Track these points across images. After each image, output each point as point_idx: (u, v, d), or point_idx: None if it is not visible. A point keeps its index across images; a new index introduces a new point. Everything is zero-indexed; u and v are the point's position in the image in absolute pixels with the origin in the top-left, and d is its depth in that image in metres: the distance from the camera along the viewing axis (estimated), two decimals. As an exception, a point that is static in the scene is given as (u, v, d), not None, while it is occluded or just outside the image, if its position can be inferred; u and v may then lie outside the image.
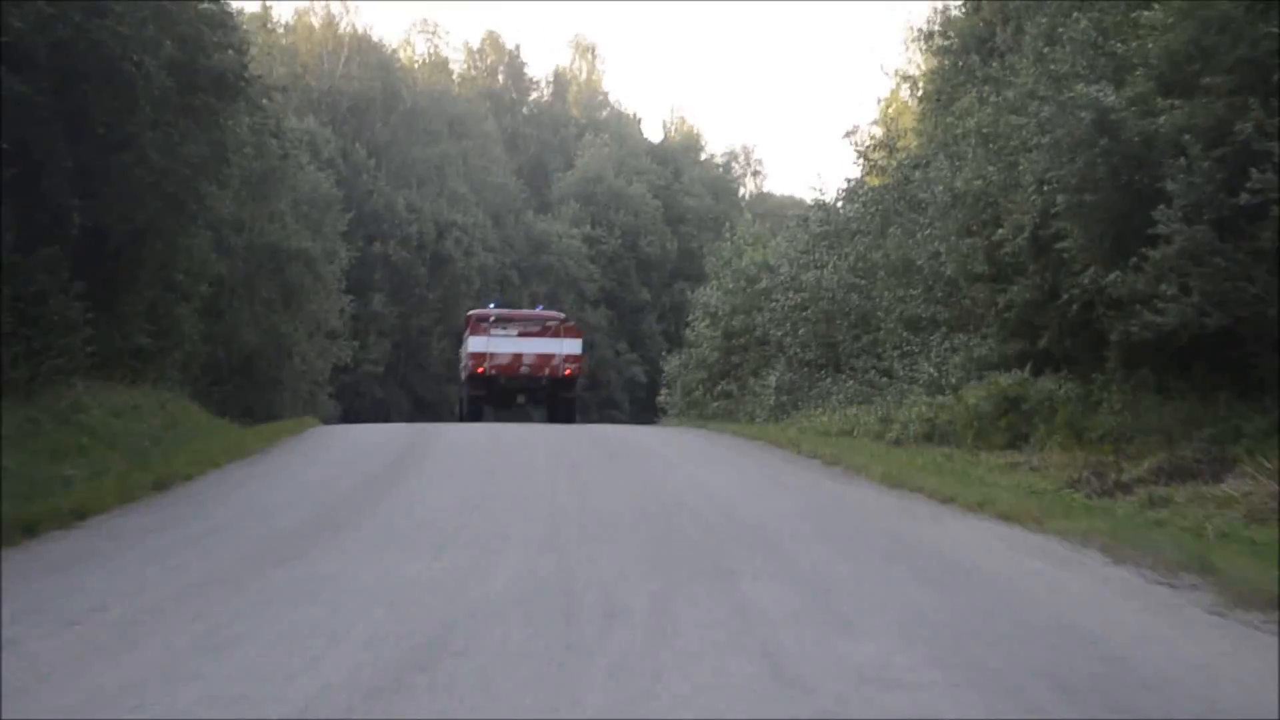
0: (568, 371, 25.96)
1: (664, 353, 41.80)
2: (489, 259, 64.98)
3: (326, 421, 51.92)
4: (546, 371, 26.35)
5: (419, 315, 61.41)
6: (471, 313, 29.28)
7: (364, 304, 58.90)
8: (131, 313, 25.32)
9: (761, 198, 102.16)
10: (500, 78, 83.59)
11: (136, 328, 25.67)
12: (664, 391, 40.19)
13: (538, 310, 31.44)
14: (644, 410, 77.86)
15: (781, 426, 25.71)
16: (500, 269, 66.88)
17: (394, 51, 71.66)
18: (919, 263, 24.81)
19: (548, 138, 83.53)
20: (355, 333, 58.39)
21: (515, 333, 26.52)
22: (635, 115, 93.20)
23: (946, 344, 22.99)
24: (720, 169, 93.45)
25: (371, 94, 63.58)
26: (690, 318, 38.87)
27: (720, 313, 35.48)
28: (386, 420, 61.97)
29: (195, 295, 32.16)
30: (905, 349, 24.73)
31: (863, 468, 12.81)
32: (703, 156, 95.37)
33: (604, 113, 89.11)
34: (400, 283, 60.50)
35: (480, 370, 25.76)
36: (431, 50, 77.09)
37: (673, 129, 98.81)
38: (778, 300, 31.74)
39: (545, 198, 77.25)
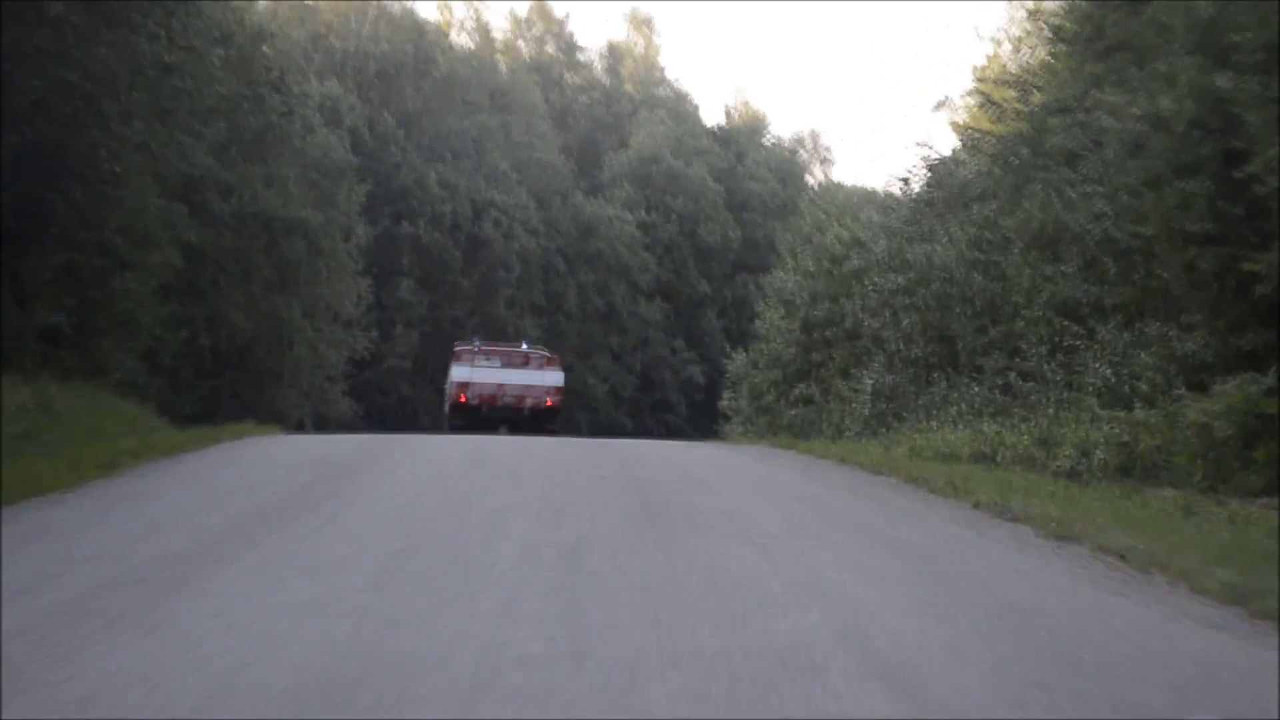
0: (549, 402, 26.40)
1: (728, 350, 35.82)
2: (531, 243, 59.26)
3: (333, 426, 46.32)
4: (529, 402, 26.92)
5: (452, 304, 55.83)
6: (457, 345, 30.93)
7: (389, 290, 53.53)
8: (37, 282, 19.79)
9: (830, 189, 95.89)
10: (549, 49, 77.87)
11: (46, 301, 20.15)
12: (727, 395, 34.21)
13: (524, 346, 31.48)
14: (702, 415, 71.97)
15: (886, 445, 19.78)
16: (544, 254, 61.13)
17: (432, 22, 66.27)
18: (1080, 227, 18.76)
19: (600, 114, 77.79)
20: (379, 322, 52.98)
21: (499, 363, 27.23)
22: (693, 102, 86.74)
23: (1126, 336, 16.94)
24: (787, 153, 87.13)
25: (402, 58, 58.07)
26: (760, 307, 32.88)
27: (798, 300, 29.48)
28: (413, 423, 56.41)
29: (147, 265, 26.64)
30: (1059, 343, 18.68)
31: (1147, 557, 6.46)
32: (767, 140, 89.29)
33: (661, 90, 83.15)
34: (431, 267, 54.96)
35: (463, 399, 26.08)
36: (472, 15, 71.56)
37: (735, 113, 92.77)
38: (873, 283, 25.73)
39: (596, 179, 71.53)
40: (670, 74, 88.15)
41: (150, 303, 29.22)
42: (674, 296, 69.96)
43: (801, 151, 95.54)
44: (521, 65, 73.79)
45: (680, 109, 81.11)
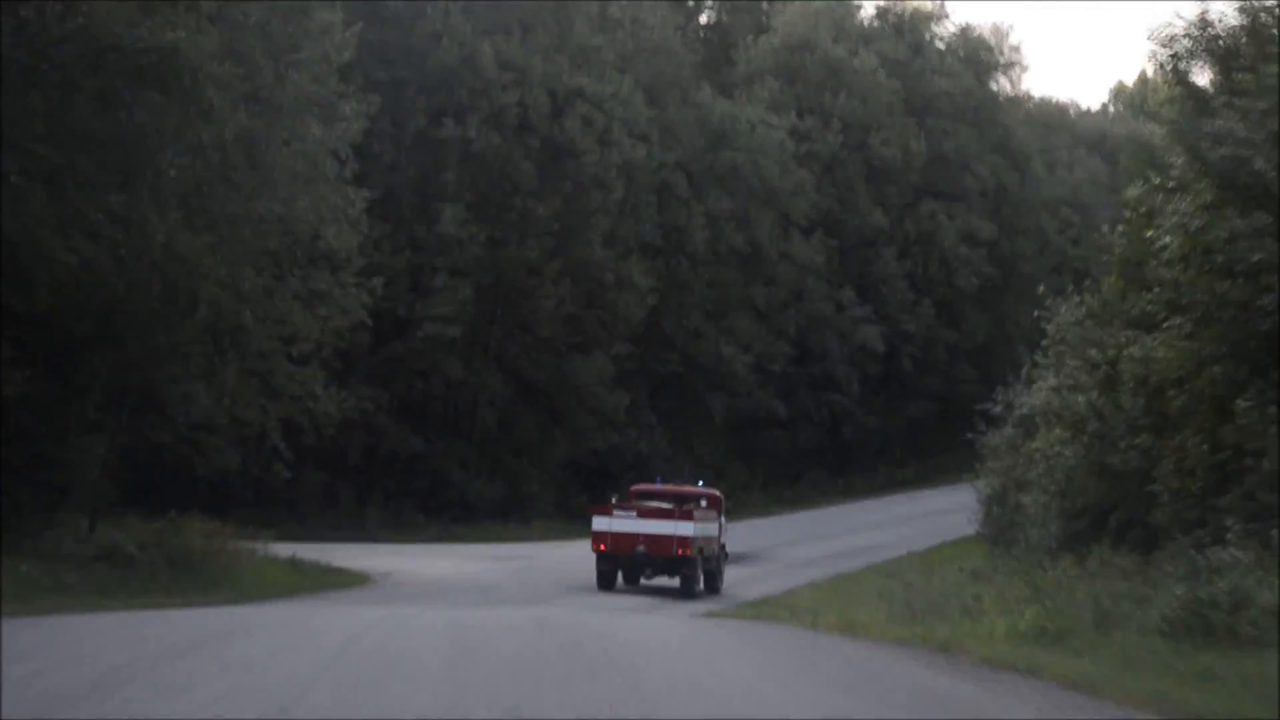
0: (680, 551, 28.98)
1: (1045, 299, 18.84)
2: (639, 153, 43.56)
3: (313, 440, 29.96)
4: (664, 551, 29.26)
5: (521, 241, 40.21)
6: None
7: (425, 221, 37.75)
8: None
9: (1017, 101, 78.61)
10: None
11: None
12: (1040, 390, 17.43)
13: (694, 485, 33.04)
14: (875, 392, 55.61)
15: None
16: (658, 171, 45.29)
17: None
18: None
19: (733, -12, 62.13)
20: (409, 269, 37.09)
21: (634, 514, 29.87)
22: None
23: None
24: (979, 42, 70.22)
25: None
26: (1127, 194, 15.89)
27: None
28: (470, 421, 40.26)
29: None
30: None
31: None
32: (947, 31, 72.36)
33: (812, -35, 66.56)
34: (489, 187, 39.68)
35: (602, 547, 29.34)
36: None
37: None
38: None
39: (728, 73, 57.14)
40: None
41: None
42: (838, 231, 55.83)
43: (985, 53, 78.39)
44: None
45: (837, -16, 64.65)
